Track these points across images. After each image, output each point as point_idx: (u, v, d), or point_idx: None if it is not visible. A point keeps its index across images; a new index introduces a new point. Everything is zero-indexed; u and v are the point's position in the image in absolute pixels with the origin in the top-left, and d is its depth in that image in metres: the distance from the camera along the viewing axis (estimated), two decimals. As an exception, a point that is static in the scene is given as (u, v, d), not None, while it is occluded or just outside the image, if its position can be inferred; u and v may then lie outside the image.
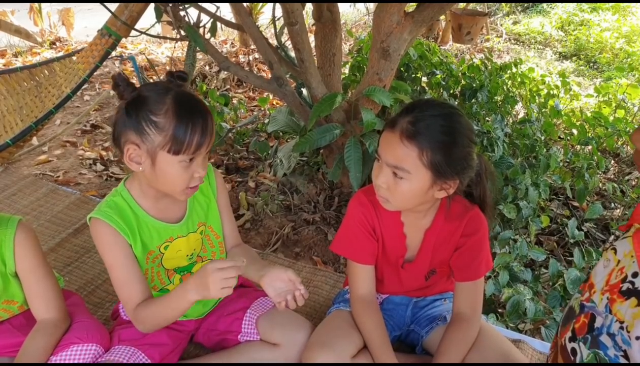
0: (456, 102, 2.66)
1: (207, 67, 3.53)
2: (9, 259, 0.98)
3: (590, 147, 2.46)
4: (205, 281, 0.87)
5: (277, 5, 1.96)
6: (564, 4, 5.95)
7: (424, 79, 2.79)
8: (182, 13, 1.75)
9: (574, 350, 0.65)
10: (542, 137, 2.45)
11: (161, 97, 0.89)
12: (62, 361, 0.94)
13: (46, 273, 1.02)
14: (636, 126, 2.63)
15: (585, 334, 0.64)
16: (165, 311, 0.95)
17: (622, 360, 0.59)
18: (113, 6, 1.99)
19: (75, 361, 0.95)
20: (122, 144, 0.92)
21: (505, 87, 2.89)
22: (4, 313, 1.05)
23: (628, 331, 0.58)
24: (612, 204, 2.26)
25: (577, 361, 0.64)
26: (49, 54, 4.05)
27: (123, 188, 1.02)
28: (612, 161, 2.65)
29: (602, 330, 0.62)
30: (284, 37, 2.26)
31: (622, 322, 0.59)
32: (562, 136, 2.78)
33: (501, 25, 5.70)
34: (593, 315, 0.65)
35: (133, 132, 0.90)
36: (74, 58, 2.22)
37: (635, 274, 0.61)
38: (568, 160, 2.42)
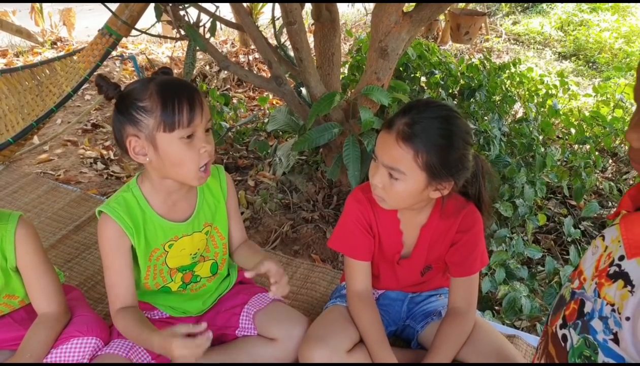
0: (454, 102, 2.67)
1: (207, 67, 3.55)
2: (10, 254, 1.00)
3: (587, 146, 2.47)
4: (170, 351, 0.89)
5: (277, 5, 1.98)
6: (563, 4, 5.96)
7: (423, 78, 2.80)
8: (182, 13, 1.77)
9: (564, 337, 0.67)
10: (540, 137, 2.46)
11: (145, 85, 0.93)
12: (62, 354, 0.96)
13: (47, 267, 1.04)
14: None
15: (576, 320, 0.66)
16: (133, 339, 1.00)
17: (611, 344, 0.60)
18: (114, 6, 2.01)
19: (76, 354, 0.96)
20: (124, 141, 0.95)
21: (503, 86, 2.90)
22: (5, 307, 1.07)
23: (619, 313, 0.59)
24: (609, 203, 2.27)
25: (568, 347, 0.66)
26: (50, 53, 4.07)
27: (135, 184, 1.04)
28: (610, 160, 2.66)
29: (593, 314, 0.63)
30: (284, 37, 2.28)
31: (612, 305, 0.61)
32: (560, 135, 2.79)
33: (501, 25, 5.71)
34: (582, 300, 0.66)
35: (129, 125, 0.93)
36: (75, 57, 2.24)
37: (621, 258, 0.62)
38: (566, 159, 2.43)
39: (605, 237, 0.69)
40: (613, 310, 0.60)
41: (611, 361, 0.60)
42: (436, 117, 0.92)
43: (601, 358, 0.60)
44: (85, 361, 0.97)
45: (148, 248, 1.04)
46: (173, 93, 0.92)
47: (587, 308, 0.64)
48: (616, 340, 0.60)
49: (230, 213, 1.16)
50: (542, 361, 0.73)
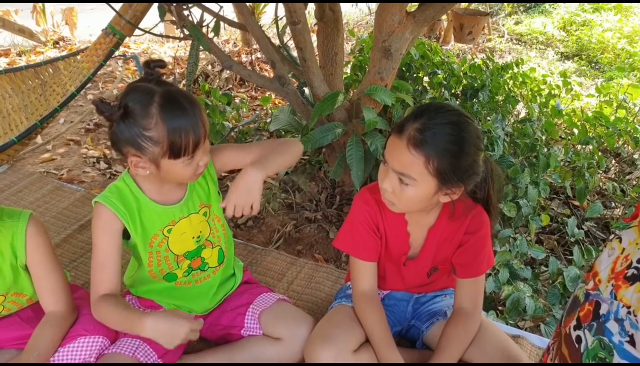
0: (457, 102, 2.67)
1: (209, 67, 3.55)
2: (21, 251, 1.01)
3: (590, 146, 2.47)
4: (174, 334, 0.91)
5: (280, 4, 1.98)
6: (566, 4, 5.95)
7: (426, 78, 2.80)
8: (185, 12, 1.77)
9: (578, 338, 0.67)
10: (543, 137, 2.46)
11: (147, 108, 0.91)
12: (69, 352, 0.96)
13: (55, 266, 1.04)
14: (637, 126, 2.65)
15: (591, 321, 0.66)
16: (116, 324, 1.00)
17: (627, 346, 0.60)
18: (117, 5, 2.01)
19: (83, 353, 0.97)
20: (124, 153, 0.96)
21: (506, 87, 2.90)
22: (13, 305, 1.08)
23: (635, 315, 0.60)
24: (613, 204, 2.28)
25: (582, 348, 0.66)
26: (52, 53, 4.07)
27: (127, 174, 1.05)
28: (613, 161, 2.66)
29: (609, 316, 0.63)
30: (286, 37, 2.28)
31: (629, 307, 0.61)
32: (563, 136, 2.79)
33: (503, 25, 5.71)
34: (598, 302, 0.66)
35: (131, 147, 0.93)
36: (79, 57, 2.24)
37: None
38: (569, 159, 2.43)
39: (623, 239, 0.69)
40: (629, 312, 0.60)
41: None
42: (447, 123, 0.91)
43: (616, 359, 0.61)
44: (92, 360, 0.98)
45: (146, 234, 1.05)
46: (179, 122, 0.91)
47: (603, 309, 0.64)
48: (632, 342, 0.60)
49: (226, 160, 1.13)
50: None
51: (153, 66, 0.96)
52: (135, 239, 1.04)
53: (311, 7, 3.42)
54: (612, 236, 0.73)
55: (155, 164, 0.95)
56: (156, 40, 4.39)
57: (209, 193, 1.13)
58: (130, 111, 0.91)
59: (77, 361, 0.97)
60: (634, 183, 2.45)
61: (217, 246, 1.17)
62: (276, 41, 2.16)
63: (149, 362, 1.03)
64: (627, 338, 0.60)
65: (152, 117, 0.91)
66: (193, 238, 1.11)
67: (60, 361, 0.97)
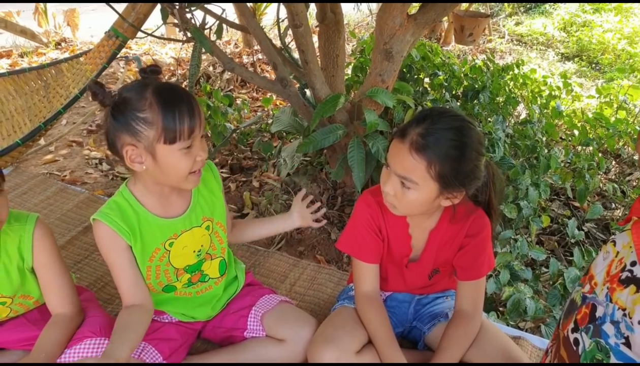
0: (458, 103, 2.68)
1: (210, 68, 3.56)
2: (27, 254, 1.02)
3: (591, 148, 2.48)
4: None
5: (281, 6, 1.99)
6: (566, 4, 5.96)
7: (427, 80, 2.81)
8: (188, 15, 1.78)
9: (576, 340, 0.68)
10: (543, 138, 2.47)
11: (141, 93, 0.91)
12: (76, 354, 0.97)
13: (62, 269, 1.06)
14: (638, 128, 2.66)
15: (587, 324, 0.67)
16: None
17: (623, 348, 0.62)
18: (120, 7, 2.02)
19: (89, 354, 0.98)
20: (119, 149, 0.94)
21: (507, 88, 2.91)
22: (20, 307, 1.09)
23: (630, 317, 0.61)
24: (613, 205, 2.28)
25: (580, 351, 0.67)
26: (54, 54, 4.09)
27: (125, 188, 1.04)
28: (613, 162, 2.67)
29: (605, 318, 0.65)
30: (287, 38, 2.29)
31: (624, 309, 0.62)
32: (563, 137, 2.80)
33: (503, 26, 5.71)
34: (594, 305, 0.67)
35: (126, 135, 0.92)
36: (81, 59, 2.26)
37: (633, 263, 0.64)
38: (569, 161, 2.44)
39: (617, 243, 0.70)
40: (624, 315, 0.62)
41: None
42: (450, 129, 0.92)
43: (613, 361, 0.62)
44: (97, 361, 0.99)
45: (147, 248, 1.04)
46: (173, 104, 0.91)
47: (599, 312, 0.66)
48: (628, 344, 0.61)
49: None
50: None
51: (148, 70, 0.97)
52: (135, 253, 1.03)
53: (312, 8, 3.44)
54: (612, 238, 0.74)
55: (152, 154, 0.92)
56: (158, 41, 4.40)
57: (214, 205, 1.12)
58: (125, 97, 0.92)
59: (83, 363, 0.98)
60: (634, 184, 2.46)
61: (219, 257, 1.17)
62: (277, 43, 2.17)
63: (154, 363, 1.04)
64: (623, 340, 0.61)
65: (146, 99, 0.91)
66: (194, 251, 1.10)
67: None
